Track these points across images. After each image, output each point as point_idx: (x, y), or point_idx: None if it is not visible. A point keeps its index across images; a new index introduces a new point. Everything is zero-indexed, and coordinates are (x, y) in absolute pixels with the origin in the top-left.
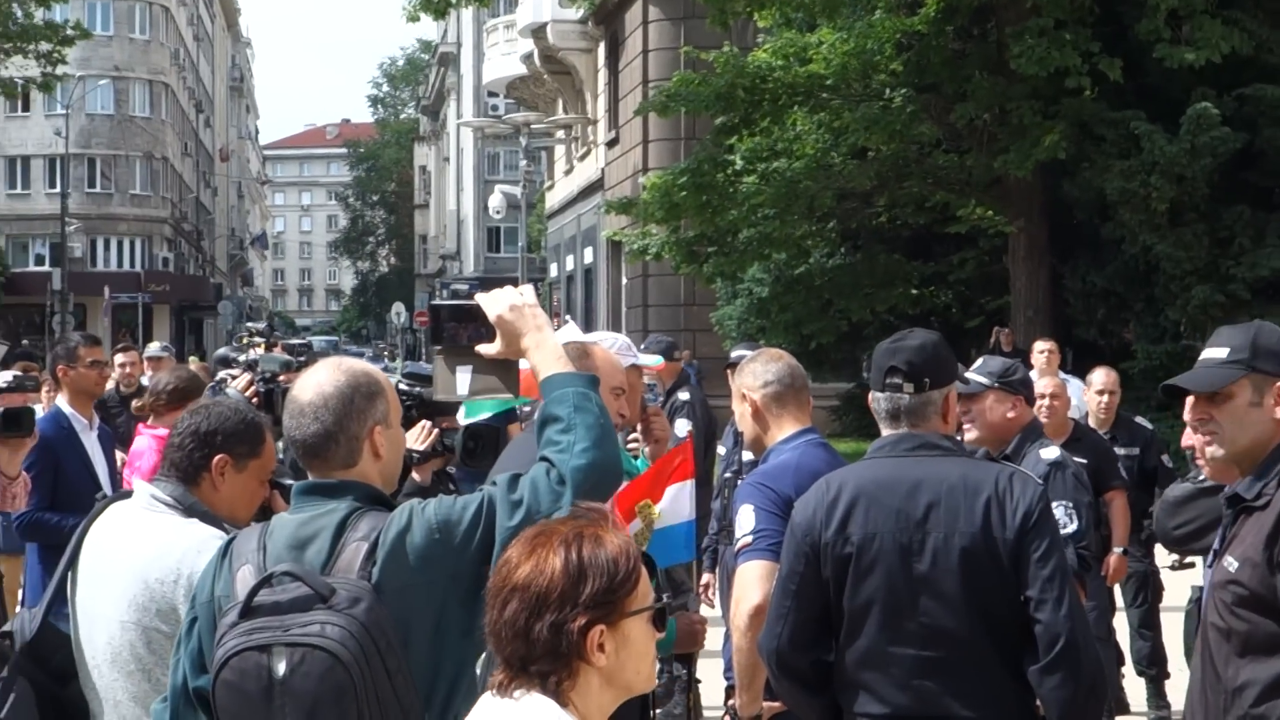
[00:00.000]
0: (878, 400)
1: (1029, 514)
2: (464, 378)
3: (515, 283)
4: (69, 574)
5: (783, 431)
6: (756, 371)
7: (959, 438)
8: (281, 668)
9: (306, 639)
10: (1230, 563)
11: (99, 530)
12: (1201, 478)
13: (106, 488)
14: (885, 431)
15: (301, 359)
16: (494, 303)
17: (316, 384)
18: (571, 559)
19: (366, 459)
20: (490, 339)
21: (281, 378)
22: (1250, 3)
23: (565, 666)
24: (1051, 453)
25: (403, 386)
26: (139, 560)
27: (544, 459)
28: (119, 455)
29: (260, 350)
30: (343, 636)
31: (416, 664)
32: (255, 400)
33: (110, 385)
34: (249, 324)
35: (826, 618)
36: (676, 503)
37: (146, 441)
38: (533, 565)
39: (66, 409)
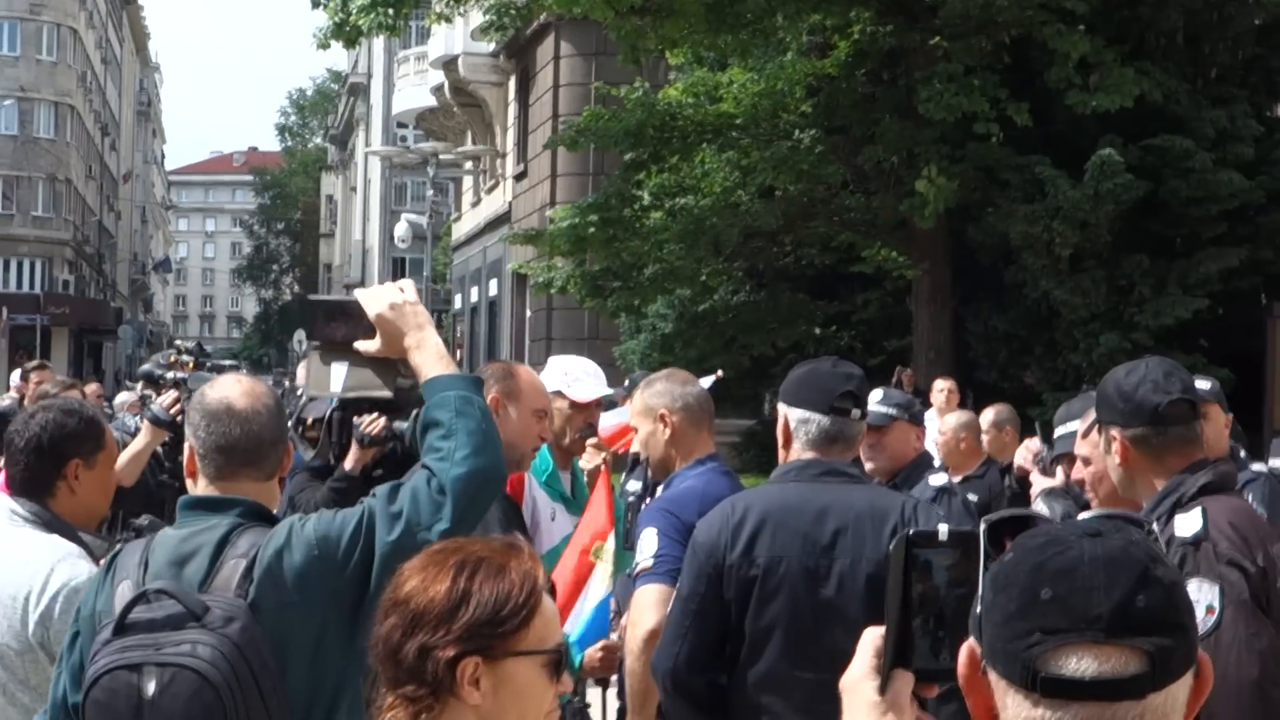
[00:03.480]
0: (816, 423)
1: None
2: (339, 374)
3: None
4: None
5: (693, 456)
6: (674, 393)
7: None
8: (151, 688)
9: (177, 659)
10: None
11: None
12: None
13: None
14: (805, 455)
15: None
16: (374, 300)
17: (240, 392)
18: (459, 583)
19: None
20: (369, 336)
21: None
22: (1159, 54)
23: (432, 696)
24: (939, 479)
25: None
26: None
27: (425, 467)
28: None
29: (189, 370)
30: (214, 657)
31: (295, 683)
32: (180, 418)
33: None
34: (178, 342)
35: (724, 640)
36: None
37: None
38: (419, 581)
39: None
